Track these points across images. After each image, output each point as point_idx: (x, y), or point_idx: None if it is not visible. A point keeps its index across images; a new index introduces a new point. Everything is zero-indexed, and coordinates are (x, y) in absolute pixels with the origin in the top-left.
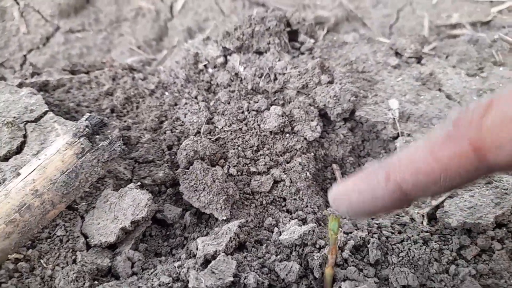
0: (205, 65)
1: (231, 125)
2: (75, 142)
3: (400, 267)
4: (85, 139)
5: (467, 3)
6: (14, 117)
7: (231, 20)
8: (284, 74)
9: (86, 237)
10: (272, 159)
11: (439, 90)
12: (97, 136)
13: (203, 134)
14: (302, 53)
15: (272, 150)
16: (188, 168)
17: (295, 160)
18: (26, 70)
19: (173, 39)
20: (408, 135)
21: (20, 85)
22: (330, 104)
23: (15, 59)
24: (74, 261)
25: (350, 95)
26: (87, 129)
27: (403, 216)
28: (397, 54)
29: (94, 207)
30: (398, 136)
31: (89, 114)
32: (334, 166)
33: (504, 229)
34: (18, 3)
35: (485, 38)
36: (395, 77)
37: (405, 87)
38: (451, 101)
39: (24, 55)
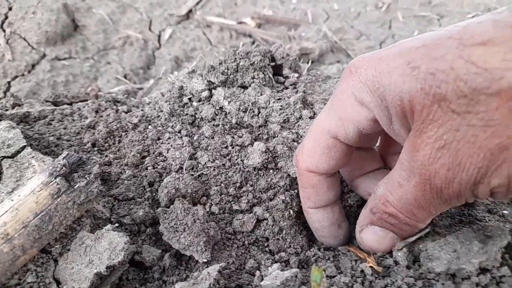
0: (189, 99)
1: (214, 160)
2: (51, 182)
3: None
4: (62, 179)
5: None
6: None
7: (218, 50)
8: (266, 108)
9: (58, 283)
10: (256, 196)
11: None
12: (75, 174)
13: (185, 170)
14: (287, 88)
15: (255, 187)
16: (169, 207)
17: (279, 198)
18: (7, 102)
19: (160, 68)
20: None
21: (0, 117)
22: None
23: None
24: None
25: None
26: (64, 168)
27: (387, 258)
28: None
29: (68, 250)
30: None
31: (67, 152)
32: None
33: (488, 275)
34: (4, 30)
35: None
36: None
37: None
38: None
39: (8, 82)
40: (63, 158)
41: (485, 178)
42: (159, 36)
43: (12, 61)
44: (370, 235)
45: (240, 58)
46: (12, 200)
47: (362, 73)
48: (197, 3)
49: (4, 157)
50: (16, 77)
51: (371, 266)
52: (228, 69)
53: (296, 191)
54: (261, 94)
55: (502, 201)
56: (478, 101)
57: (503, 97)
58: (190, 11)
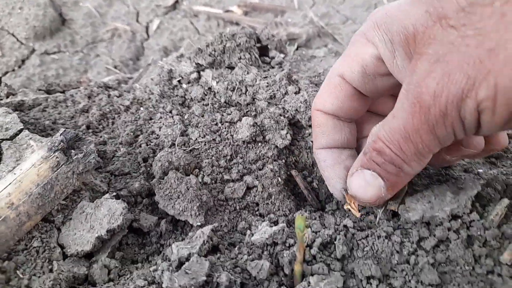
0: (179, 81)
1: (204, 136)
2: (50, 156)
3: (365, 260)
4: (60, 153)
5: None
6: None
7: (206, 38)
8: (253, 86)
9: (62, 247)
10: (245, 167)
11: None
12: (72, 151)
13: (177, 146)
14: (273, 67)
15: (245, 159)
16: (163, 178)
17: (267, 167)
18: (1, 91)
19: (149, 58)
20: None
21: None
22: (301, 109)
23: None
24: (51, 270)
25: None
26: (62, 144)
27: (368, 215)
28: None
29: (70, 219)
30: None
31: (63, 129)
32: (293, 172)
33: (459, 220)
34: None
35: None
36: None
37: None
38: None
39: (0, 78)
40: (61, 135)
41: (473, 90)
42: (147, 27)
43: (2, 57)
44: (357, 179)
45: (227, 40)
46: (14, 174)
47: (375, 14)
48: None
49: (3, 139)
50: (6, 72)
51: (349, 209)
52: (215, 51)
53: (283, 160)
54: (247, 73)
55: (478, 160)
56: (474, 12)
57: (497, 3)
58: (177, 1)
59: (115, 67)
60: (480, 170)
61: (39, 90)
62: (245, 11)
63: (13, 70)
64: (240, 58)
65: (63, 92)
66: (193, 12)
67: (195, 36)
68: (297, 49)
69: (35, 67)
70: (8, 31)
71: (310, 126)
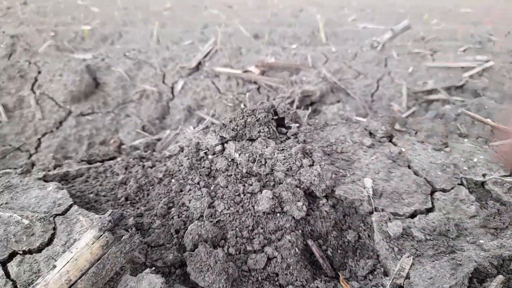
0: (205, 153)
1: (229, 208)
2: (101, 236)
3: None
4: (109, 233)
5: (441, 70)
6: (45, 212)
7: (226, 97)
8: (271, 158)
9: None
10: (266, 237)
11: (408, 167)
12: (122, 231)
13: (205, 218)
14: (289, 138)
15: (265, 229)
16: (193, 251)
17: (285, 238)
18: (49, 163)
19: (175, 117)
20: (382, 210)
21: (44, 177)
22: (315, 182)
23: (31, 143)
24: None
25: (331, 174)
26: (110, 224)
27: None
28: (371, 134)
29: None
30: (373, 211)
31: (111, 210)
32: (309, 242)
33: None
34: (34, 92)
35: (450, 112)
36: (370, 156)
37: (378, 165)
38: (418, 177)
39: (39, 139)
40: (109, 215)
41: None
42: (172, 88)
43: (42, 120)
44: None
45: (247, 116)
46: (71, 252)
47: None
48: (206, 56)
49: (56, 214)
50: (45, 133)
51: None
52: (237, 126)
53: (300, 231)
54: (266, 147)
55: (479, 231)
56: None
57: None
58: (200, 63)
59: (143, 127)
60: (481, 241)
61: (82, 160)
62: (263, 71)
63: (51, 131)
64: (259, 132)
65: (102, 161)
66: (215, 72)
67: (217, 95)
68: (311, 104)
69: (71, 127)
70: (48, 95)
71: (325, 197)
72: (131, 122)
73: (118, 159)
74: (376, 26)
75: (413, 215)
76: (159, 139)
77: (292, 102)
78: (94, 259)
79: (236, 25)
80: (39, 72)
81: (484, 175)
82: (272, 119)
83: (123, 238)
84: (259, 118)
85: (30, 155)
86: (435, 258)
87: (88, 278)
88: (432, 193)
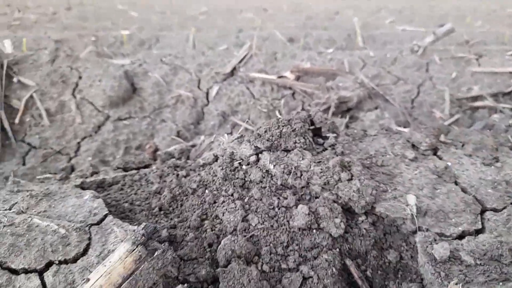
0: (239, 163)
1: (263, 222)
2: (134, 249)
3: None
4: (142, 247)
5: (486, 75)
6: (81, 221)
7: (261, 103)
8: (307, 171)
9: None
10: (301, 254)
11: (455, 183)
12: (156, 244)
13: (239, 232)
14: (326, 149)
15: (300, 246)
16: (226, 266)
17: (322, 256)
18: (87, 170)
19: (209, 123)
20: (427, 230)
21: (82, 184)
22: (354, 198)
23: (71, 146)
24: None
25: (371, 189)
26: (143, 237)
27: None
28: (413, 146)
29: None
30: (416, 231)
31: (145, 224)
32: (347, 261)
33: None
34: (75, 97)
35: (500, 122)
36: (413, 170)
37: (422, 181)
38: (466, 195)
39: (78, 143)
40: (142, 229)
41: None
42: (207, 93)
43: (82, 124)
44: None
45: (283, 126)
46: (104, 266)
47: None
48: (241, 61)
49: (92, 224)
50: (84, 137)
51: None
52: (272, 136)
53: (337, 249)
54: (302, 159)
55: None
56: None
57: None
58: (234, 68)
59: (178, 132)
60: None
61: (118, 168)
62: (298, 76)
63: (90, 135)
64: (295, 142)
65: (137, 169)
66: (249, 78)
67: (251, 101)
68: (348, 110)
69: (109, 132)
70: (88, 100)
71: (364, 213)
72: (167, 127)
73: (153, 167)
74: (416, 29)
75: (461, 237)
76: (193, 146)
77: (328, 108)
78: (127, 274)
79: (271, 29)
80: (80, 78)
81: None
82: (309, 129)
83: (155, 254)
84: (295, 129)
85: (70, 159)
86: (487, 285)
87: None
88: (482, 212)
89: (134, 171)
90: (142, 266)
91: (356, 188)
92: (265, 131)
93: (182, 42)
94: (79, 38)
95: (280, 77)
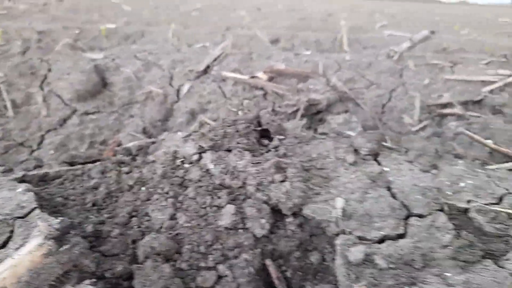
0: (182, 161)
1: (191, 221)
2: (44, 243)
3: None
4: (53, 241)
5: (459, 83)
6: (7, 214)
7: (231, 102)
8: (244, 172)
9: None
10: (223, 253)
11: (388, 188)
12: (69, 234)
13: (164, 230)
14: (270, 150)
15: (224, 245)
16: (142, 264)
17: (242, 256)
18: (30, 164)
19: (177, 120)
20: (350, 233)
21: (23, 177)
22: (282, 199)
23: (34, 138)
24: None
25: (299, 191)
26: (57, 232)
27: None
28: (356, 151)
29: None
30: (340, 233)
31: (61, 218)
32: (267, 262)
33: None
34: (42, 89)
35: (448, 131)
36: (350, 174)
37: (356, 185)
38: (394, 200)
39: (42, 135)
40: (58, 223)
41: None
42: (178, 91)
43: (47, 117)
44: None
45: (228, 126)
46: (13, 259)
47: None
48: (215, 60)
49: (17, 217)
50: (49, 130)
51: None
52: (216, 136)
53: (260, 249)
54: (241, 159)
55: (448, 262)
56: None
57: None
58: (208, 66)
59: (144, 129)
60: (448, 274)
61: (64, 162)
62: (271, 77)
63: (55, 128)
64: (238, 143)
65: (84, 163)
66: (222, 77)
67: (222, 100)
68: (317, 113)
69: (75, 126)
70: (56, 93)
71: (293, 215)
72: (133, 123)
73: (97, 163)
74: (403, 34)
75: (381, 241)
76: (154, 142)
77: (297, 110)
78: (34, 267)
79: (257, 29)
80: (49, 70)
81: (468, 202)
82: (255, 130)
83: (61, 249)
84: (239, 129)
85: (32, 151)
86: None
87: (21, 286)
88: (406, 218)
89: (79, 166)
90: (47, 259)
91: (285, 189)
92: (209, 131)
93: (164, 38)
94: (63, 30)
95: (252, 77)
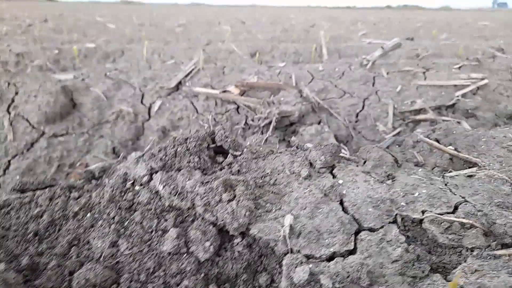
0: (132, 183)
1: (133, 247)
2: None
3: None
4: None
5: (431, 88)
6: None
7: (203, 117)
8: (192, 192)
9: None
10: (166, 281)
11: (340, 202)
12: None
13: (103, 259)
14: (223, 168)
15: (167, 272)
16: None
17: (183, 283)
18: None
19: (148, 139)
20: (298, 251)
21: None
22: (227, 219)
23: (0, 165)
24: None
25: (245, 210)
26: None
27: None
28: (311, 164)
29: None
30: (288, 252)
31: None
32: (211, 287)
33: None
34: (9, 113)
35: (409, 139)
36: (303, 189)
37: (308, 200)
38: (345, 215)
39: (9, 161)
40: None
41: None
42: (149, 108)
43: (13, 141)
44: None
45: (178, 145)
46: None
47: None
48: (187, 75)
49: None
50: (16, 155)
51: None
52: (166, 155)
53: (203, 274)
54: (189, 179)
55: (396, 278)
56: None
57: None
58: (180, 83)
59: (114, 149)
60: None
61: (14, 190)
62: (243, 91)
63: (22, 153)
64: (189, 162)
65: (35, 190)
66: (193, 93)
67: (194, 115)
68: (291, 125)
69: (42, 149)
70: (23, 116)
71: (241, 234)
72: (102, 143)
73: (46, 189)
74: (383, 42)
75: (331, 258)
76: (119, 163)
77: (270, 123)
78: None
79: (238, 43)
80: (17, 93)
81: (423, 212)
82: (209, 147)
83: None
84: (189, 148)
85: None
86: None
87: None
88: (357, 232)
89: (29, 193)
90: None
91: (231, 209)
92: (159, 150)
93: (139, 56)
94: (41, 51)
95: (224, 91)
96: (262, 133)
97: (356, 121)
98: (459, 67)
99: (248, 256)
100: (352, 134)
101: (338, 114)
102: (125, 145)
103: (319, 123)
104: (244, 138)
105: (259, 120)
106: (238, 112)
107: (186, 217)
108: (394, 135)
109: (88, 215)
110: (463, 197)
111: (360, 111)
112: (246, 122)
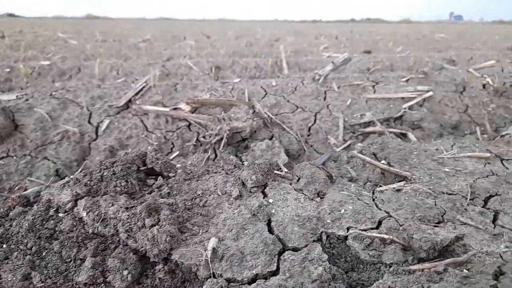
0: (55, 210)
1: (46, 279)
2: None
3: None
4: None
5: (380, 101)
6: None
7: (153, 135)
8: (115, 218)
9: None
10: None
11: (268, 221)
12: None
13: None
14: (153, 191)
15: None
16: None
17: None
18: None
19: (95, 159)
20: (220, 275)
21: None
22: (147, 245)
23: None
24: None
25: (166, 236)
26: None
27: None
28: (243, 184)
29: None
30: (210, 277)
31: None
32: None
33: None
34: None
35: (344, 155)
36: (233, 210)
37: (236, 221)
38: (270, 235)
39: None
40: None
41: None
42: (96, 128)
43: None
44: None
45: (105, 169)
46: None
47: None
48: (137, 93)
49: None
50: None
51: None
52: (91, 180)
53: None
54: (112, 205)
55: None
56: None
57: None
58: (130, 101)
59: (57, 171)
60: None
61: None
62: (194, 107)
63: None
64: (115, 186)
65: None
66: (143, 110)
67: (143, 134)
68: (243, 140)
69: None
70: None
71: (164, 260)
72: (45, 166)
73: None
74: (342, 55)
75: (253, 281)
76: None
77: (221, 139)
78: None
79: (199, 58)
80: None
81: (348, 229)
82: (139, 170)
83: None
84: (116, 172)
85: None
86: None
87: None
88: (281, 253)
89: None
90: None
91: (151, 235)
92: (84, 175)
93: (103, 73)
94: None
95: (174, 109)
96: (214, 149)
97: (309, 135)
98: (407, 80)
99: (170, 283)
100: (304, 148)
101: (290, 128)
102: (69, 166)
103: (271, 138)
104: (197, 155)
105: (210, 137)
106: (189, 129)
107: (109, 244)
108: (344, 148)
109: (4, 246)
110: (387, 212)
111: (312, 125)
112: (197, 139)
